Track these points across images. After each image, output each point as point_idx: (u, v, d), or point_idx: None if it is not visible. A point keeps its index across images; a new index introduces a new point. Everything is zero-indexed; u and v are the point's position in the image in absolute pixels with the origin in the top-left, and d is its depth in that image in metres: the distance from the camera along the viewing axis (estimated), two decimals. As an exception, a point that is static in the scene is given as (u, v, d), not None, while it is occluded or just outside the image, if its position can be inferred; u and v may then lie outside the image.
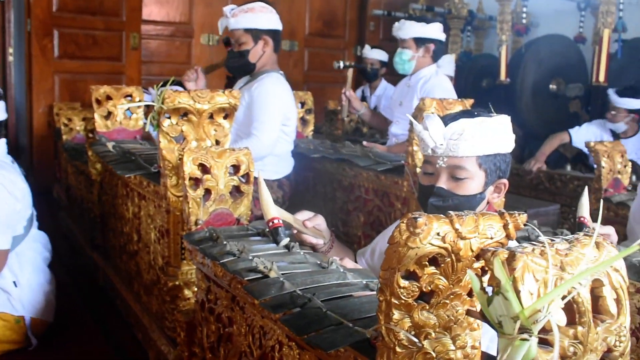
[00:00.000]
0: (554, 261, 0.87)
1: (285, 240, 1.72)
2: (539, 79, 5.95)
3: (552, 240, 0.91)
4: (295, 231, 1.85)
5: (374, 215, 2.87)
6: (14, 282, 2.65)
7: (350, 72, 4.16)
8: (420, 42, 3.75)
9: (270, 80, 3.25)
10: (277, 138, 3.20)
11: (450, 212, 1.00)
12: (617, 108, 4.44)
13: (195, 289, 2.02)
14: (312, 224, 1.85)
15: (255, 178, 1.88)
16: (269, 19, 3.27)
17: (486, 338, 1.40)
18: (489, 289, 0.87)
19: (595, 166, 3.26)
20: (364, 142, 3.44)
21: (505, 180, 1.79)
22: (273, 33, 3.30)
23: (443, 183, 1.74)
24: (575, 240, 0.93)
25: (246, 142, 3.05)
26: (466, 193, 1.73)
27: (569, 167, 4.52)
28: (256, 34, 3.24)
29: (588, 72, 5.88)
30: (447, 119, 1.71)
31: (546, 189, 4.43)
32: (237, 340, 1.66)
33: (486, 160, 1.71)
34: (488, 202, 1.80)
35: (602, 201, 2.91)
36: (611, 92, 4.51)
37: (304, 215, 1.87)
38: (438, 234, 0.97)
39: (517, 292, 0.81)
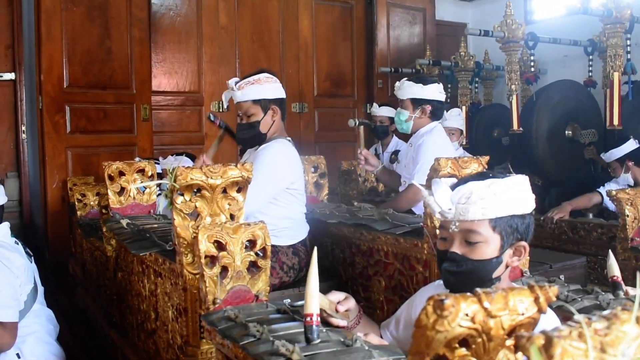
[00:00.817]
0: (594, 342, 0.81)
1: (317, 341, 1.55)
2: (553, 125, 5.93)
3: (589, 319, 0.85)
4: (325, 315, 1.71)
5: (395, 279, 2.81)
6: (17, 354, 2.62)
7: (362, 130, 4.16)
8: (417, 103, 3.79)
9: (275, 145, 3.25)
10: (266, 199, 3.13)
11: (478, 289, 0.95)
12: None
13: (216, 369, 1.96)
14: (344, 308, 1.77)
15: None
16: (275, 88, 3.28)
17: None
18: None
19: (618, 213, 3.20)
20: (355, 203, 3.46)
21: (524, 243, 1.73)
22: (280, 102, 3.31)
23: (456, 248, 1.70)
24: (614, 317, 0.87)
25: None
26: (481, 257, 1.68)
27: (590, 215, 4.44)
28: (264, 104, 3.24)
29: (602, 115, 5.86)
30: (458, 183, 1.68)
31: (569, 239, 4.35)
32: None
33: (500, 222, 1.66)
34: (507, 266, 1.74)
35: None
36: None
37: (335, 296, 1.78)
38: (467, 314, 0.91)
39: (559, 381, 0.75)
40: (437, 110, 3.83)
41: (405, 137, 4.38)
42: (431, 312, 0.92)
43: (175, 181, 2.06)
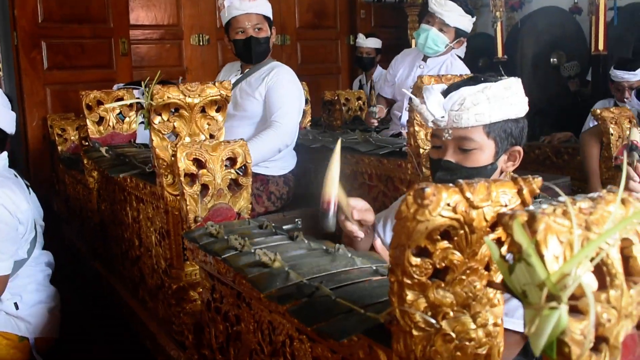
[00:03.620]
0: (578, 220, 0.78)
1: (331, 224, 1.50)
2: (538, 53, 5.87)
3: (574, 199, 0.82)
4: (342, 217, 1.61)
5: (379, 201, 2.79)
6: (15, 304, 2.61)
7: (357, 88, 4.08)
8: (459, 33, 3.57)
9: (287, 70, 3.25)
10: (297, 130, 3.15)
11: (460, 180, 0.92)
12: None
13: (201, 290, 1.95)
14: (358, 217, 1.62)
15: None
16: (271, 10, 3.24)
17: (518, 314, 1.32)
18: (509, 258, 0.79)
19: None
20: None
21: (519, 148, 1.69)
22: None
23: (450, 156, 1.66)
24: (599, 198, 0.84)
25: (269, 132, 2.99)
26: (476, 164, 1.64)
27: (574, 140, 4.43)
28: (270, 22, 3.22)
29: (587, 43, 5.79)
30: (449, 89, 1.63)
31: (553, 163, 4.35)
32: (246, 338, 1.59)
33: (494, 128, 1.62)
34: (502, 172, 1.71)
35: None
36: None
37: (358, 204, 1.64)
38: (448, 204, 0.89)
39: (541, 257, 0.73)
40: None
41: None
42: (411, 202, 0.89)
43: (151, 100, 2.01)
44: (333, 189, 1.51)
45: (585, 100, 5.40)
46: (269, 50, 3.27)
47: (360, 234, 1.64)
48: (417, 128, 2.49)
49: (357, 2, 7.19)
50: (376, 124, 3.83)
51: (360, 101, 4.94)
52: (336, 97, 4.75)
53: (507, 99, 1.61)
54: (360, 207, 1.64)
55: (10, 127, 2.63)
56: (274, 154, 3.05)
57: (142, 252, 2.63)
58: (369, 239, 1.76)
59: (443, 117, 1.62)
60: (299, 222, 2.85)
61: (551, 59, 5.93)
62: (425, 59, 3.67)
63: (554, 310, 0.72)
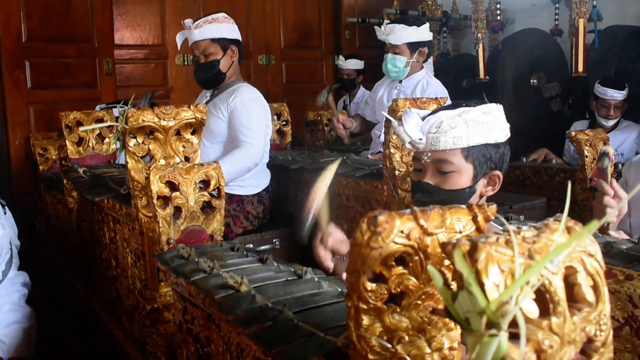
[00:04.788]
0: (521, 249, 0.80)
1: (305, 235, 1.56)
2: (518, 74, 5.92)
3: (518, 227, 0.85)
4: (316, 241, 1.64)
5: (356, 222, 2.81)
6: None
7: (330, 99, 4.07)
8: (413, 46, 3.60)
9: (250, 90, 3.24)
10: (264, 147, 3.16)
11: (415, 207, 0.94)
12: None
13: (174, 311, 1.96)
14: (332, 246, 1.63)
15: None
16: (233, 29, 3.25)
17: None
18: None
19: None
20: (369, 155, 3.41)
21: (498, 172, 1.72)
22: (237, 43, 3.28)
23: (429, 178, 1.69)
24: (544, 227, 0.86)
25: (239, 152, 3.01)
26: (454, 187, 1.67)
27: (554, 161, 4.47)
28: (224, 43, 3.22)
29: (567, 64, 5.86)
30: (429, 114, 1.66)
31: (533, 184, 4.38)
32: (216, 359, 1.60)
33: (473, 151, 1.65)
34: (482, 196, 1.74)
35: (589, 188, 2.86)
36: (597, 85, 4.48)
37: (336, 234, 1.65)
38: (402, 231, 0.90)
39: (482, 285, 0.75)
40: (430, 52, 3.76)
41: (371, 86, 4.34)
42: (365, 229, 0.91)
43: (126, 123, 2.03)
44: (317, 202, 1.54)
45: (566, 119, 5.46)
46: (219, 72, 3.26)
47: (329, 263, 1.65)
48: (392, 150, 2.52)
49: (342, 22, 7.25)
50: (343, 133, 3.85)
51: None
52: (319, 118, 4.78)
53: (486, 124, 1.64)
54: (336, 237, 1.66)
55: None
56: (244, 173, 3.07)
57: (118, 273, 2.63)
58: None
59: (421, 139, 1.65)
60: (277, 243, 2.87)
61: (531, 80, 6.00)
62: (400, 80, 3.71)
63: (494, 337, 0.74)
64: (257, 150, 3.06)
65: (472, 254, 0.77)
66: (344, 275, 1.77)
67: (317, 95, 4.28)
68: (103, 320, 2.94)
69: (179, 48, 3.39)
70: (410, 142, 1.66)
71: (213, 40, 3.19)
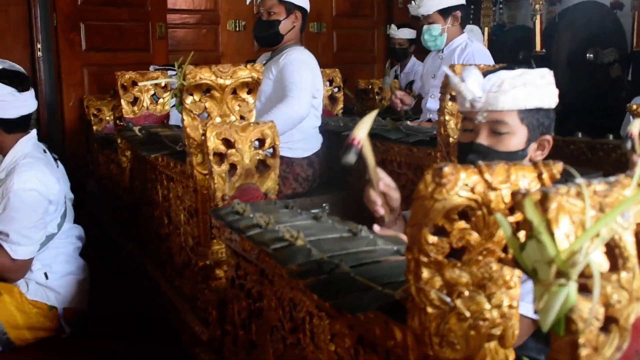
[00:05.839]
0: (592, 202, 0.79)
1: (352, 158, 1.61)
2: (574, 49, 5.77)
3: (589, 181, 0.83)
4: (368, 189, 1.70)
5: (408, 189, 2.80)
6: (45, 274, 2.68)
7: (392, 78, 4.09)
8: (445, 12, 3.63)
9: (298, 50, 3.26)
10: (310, 103, 3.16)
11: (480, 162, 0.93)
12: None
13: (226, 268, 1.99)
14: (384, 189, 1.69)
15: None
16: None
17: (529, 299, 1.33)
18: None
19: None
20: (408, 122, 3.40)
21: (549, 137, 1.69)
22: (304, 11, 3.28)
23: (483, 139, 1.65)
24: (616, 182, 0.85)
25: (282, 105, 3.02)
26: (507, 149, 1.64)
27: (611, 136, 4.36)
28: (289, 6, 3.24)
29: (627, 40, 5.69)
30: (487, 73, 1.63)
31: (588, 160, 4.29)
32: (267, 315, 1.62)
33: (528, 115, 1.62)
34: (531, 161, 1.71)
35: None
36: None
37: (386, 178, 1.71)
38: (466, 184, 0.90)
39: (552, 235, 0.74)
40: (464, 15, 3.75)
41: (423, 57, 4.32)
42: (430, 181, 0.91)
43: (183, 80, 2.04)
44: (363, 133, 1.60)
45: (626, 92, 5.30)
46: (278, 33, 3.28)
47: (380, 210, 1.68)
48: (447, 117, 2.49)
49: (395, -9, 7.16)
50: (400, 107, 3.88)
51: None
52: (370, 86, 4.75)
53: (541, 87, 1.62)
54: (387, 182, 1.69)
55: (27, 108, 2.66)
56: (289, 128, 3.07)
57: (171, 230, 2.67)
58: (400, 228, 1.77)
59: (480, 97, 1.62)
60: (327, 207, 2.87)
61: (588, 55, 5.84)
62: (442, 50, 3.75)
63: (562, 287, 0.73)
64: (302, 104, 3.06)
65: (543, 203, 0.76)
66: (400, 235, 1.78)
67: (383, 77, 4.27)
68: (153, 278, 2.99)
69: (247, 2, 3.41)
70: (470, 101, 1.63)
71: (280, 1, 3.21)
